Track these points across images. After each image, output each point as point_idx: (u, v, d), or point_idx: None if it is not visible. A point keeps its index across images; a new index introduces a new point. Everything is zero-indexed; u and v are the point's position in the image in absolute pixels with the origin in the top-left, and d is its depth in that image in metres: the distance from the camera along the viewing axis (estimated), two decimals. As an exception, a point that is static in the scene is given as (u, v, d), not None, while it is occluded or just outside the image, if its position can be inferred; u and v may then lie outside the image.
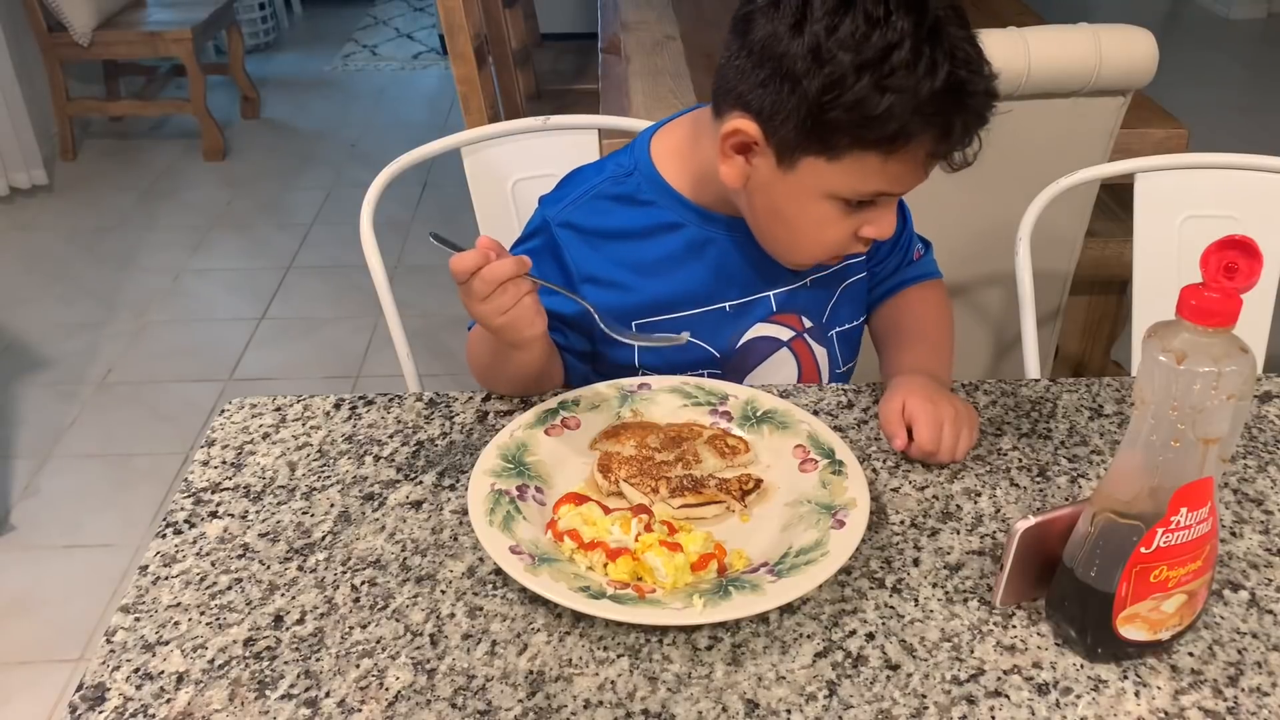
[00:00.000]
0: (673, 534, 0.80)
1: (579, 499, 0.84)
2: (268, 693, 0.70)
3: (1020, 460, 0.92)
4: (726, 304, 1.02)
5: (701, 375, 1.03)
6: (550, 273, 0.99)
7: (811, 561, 0.76)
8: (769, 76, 0.83)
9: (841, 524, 0.80)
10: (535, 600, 0.76)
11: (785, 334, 1.06)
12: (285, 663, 0.72)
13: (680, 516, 0.83)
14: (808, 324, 1.06)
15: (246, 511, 0.86)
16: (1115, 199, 1.88)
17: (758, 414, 0.94)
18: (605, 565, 0.78)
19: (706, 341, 1.03)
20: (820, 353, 1.09)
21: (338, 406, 0.99)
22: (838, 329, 1.09)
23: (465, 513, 0.84)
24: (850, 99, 0.80)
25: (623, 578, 0.77)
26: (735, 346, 1.04)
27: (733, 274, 1.01)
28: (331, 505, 0.87)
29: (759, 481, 0.86)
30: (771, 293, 1.03)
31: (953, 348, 1.09)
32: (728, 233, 0.99)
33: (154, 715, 0.69)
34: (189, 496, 0.88)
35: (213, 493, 0.89)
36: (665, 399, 0.96)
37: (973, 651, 0.73)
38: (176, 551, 0.82)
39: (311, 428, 0.96)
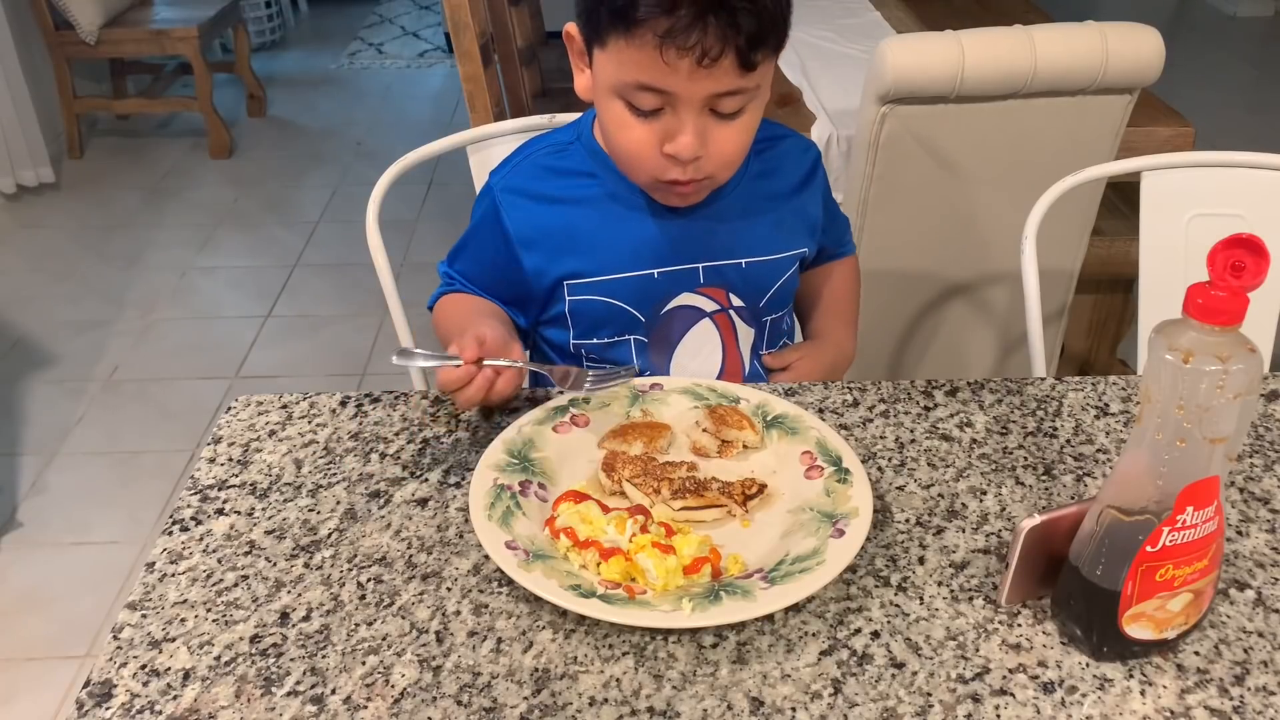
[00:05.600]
0: (670, 536, 0.79)
1: (579, 497, 0.83)
2: (274, 689, 0.70)
3: (1026, 459, 0.92)
4: (655, 271, 1.05)
5: (627, 340, 1.07)
6: (492, 241, 1.05)
7: (806, 570, 0.76)
8: None
9: (841, 533, 0.79)
10: (540, 597, 0.76)
11: (709, 306, 1.09)
12: (291, 659, 0.73)
13: (680, 519, 0.83)
14: (737, 302, 1.09)
15: (253, 509, 0.87)
16: (1121, 197, 1.88)
17: (768, 419, 0.93)
18: (598, 564, 0.78)
19: (633, 307, 1.06)
20: (745, 331, 1.12)
21: (344, 404, 0.99)
22: (772, 316, 1.13)
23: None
24: None
25: (614, 578, 0.77)
26: (660, 314, 1.07)
27: (662, 243, 1.04)
28: (337, 503, 0.87)
29: (763, 486, 0.85)
30: (700, 265, 1.06)
31: (858, 317, 1.24)
32: (659, 202, 1.03)
33: (160, 712, 0.69)
34: (195, 494, 0.89)
35: (219, 490, 0.89)
36: (676, 400, 0.96)
37: (978, 650, 0.73)
38: (183, 548, 0.83)
39: (318, 425, 0.97)
